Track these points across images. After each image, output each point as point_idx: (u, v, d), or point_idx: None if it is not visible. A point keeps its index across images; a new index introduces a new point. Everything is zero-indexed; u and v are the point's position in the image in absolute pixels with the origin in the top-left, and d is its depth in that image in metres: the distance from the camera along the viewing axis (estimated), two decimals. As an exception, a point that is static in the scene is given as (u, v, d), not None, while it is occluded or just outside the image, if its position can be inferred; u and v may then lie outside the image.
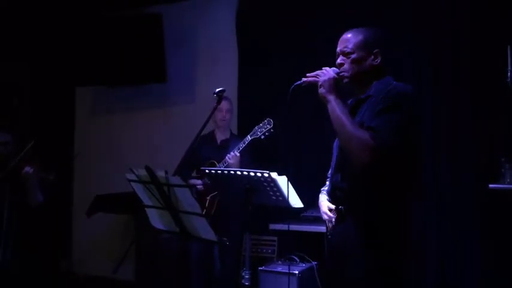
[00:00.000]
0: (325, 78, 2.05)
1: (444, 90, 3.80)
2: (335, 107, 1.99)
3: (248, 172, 2.86)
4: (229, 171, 3.01)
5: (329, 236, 2.77)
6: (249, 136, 3.61)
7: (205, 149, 3.87)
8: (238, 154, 3.63)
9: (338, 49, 2.14)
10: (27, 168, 3.72)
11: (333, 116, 1.99)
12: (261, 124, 3.59)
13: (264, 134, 3.56)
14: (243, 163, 3.61)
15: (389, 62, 2.15)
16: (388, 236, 1.96)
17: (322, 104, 2.04)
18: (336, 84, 2.04)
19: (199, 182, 3.81)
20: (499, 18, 3.61)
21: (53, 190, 3.98)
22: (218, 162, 3.75)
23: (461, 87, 3.76)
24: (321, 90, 2.04)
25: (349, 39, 2.11)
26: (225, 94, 3.10)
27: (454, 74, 3.79)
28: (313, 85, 2.08)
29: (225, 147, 3.88)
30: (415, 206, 2.06)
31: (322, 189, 2.79)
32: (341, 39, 2.15)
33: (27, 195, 3.78)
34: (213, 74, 5.01)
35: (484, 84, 3.66)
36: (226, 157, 3.67)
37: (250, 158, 3.79)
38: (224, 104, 3.82)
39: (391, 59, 2.19)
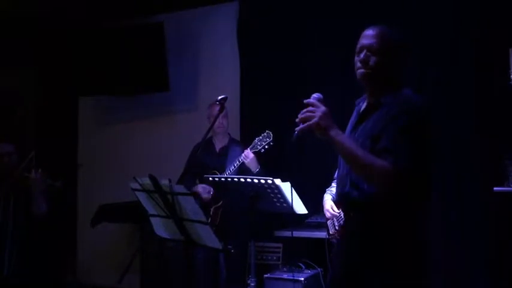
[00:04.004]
0: (316, 119, 1.86)
1: (447, 92, 3.80)
2: (341, 142, 1.87)
3: (252, 179, 2.87)
4: (233, 178, 3.01)
5: (332, 241, 2.75)
6: (249, 149, 3.61)
7: (204, 157, 3.86)
8: (250, 151, 3.60)
9: (363, 42, 2.00)
10: (35, 174, 3.73)
11: (342, 152, 1.90)
12: (260, 137, 3.59)
13: (263, 147, 3.56)
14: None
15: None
16: (402, 245, 1.90)
17: (325, 141, 1.91)
18: (331, 116, 1.88)
19: (207, 186, 3.77)
20: (501, 20, 3.61)
21: (59, 198, 3.99)
22: (218, 170, 3.74)
23: (465, 89, 3.76)
24: (320, 130, 1.87)
25: (376, 35, 1.99)
26: (227, 101, 3.12)
27: (457, 76, 3.79)
28: (312, 129, 1.90)
29: (225, 155, 3.87)
30: (427, 210, 2.00)
31: (327, 189, 2.79)
32: (367, 33, 2.01)
33: (32, 203, 3.79)
34: (215, 82, 5.02)
35: (488, 86, 3.65)
36: (241, 157, 3.63)
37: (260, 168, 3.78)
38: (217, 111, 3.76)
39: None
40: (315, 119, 1.85)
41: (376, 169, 1.80)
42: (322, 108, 1.88)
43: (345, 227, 2.21)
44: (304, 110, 1.90)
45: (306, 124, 1.87)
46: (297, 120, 1.90)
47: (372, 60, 1.97)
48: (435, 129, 1.96)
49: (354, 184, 2.02)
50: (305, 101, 1.92)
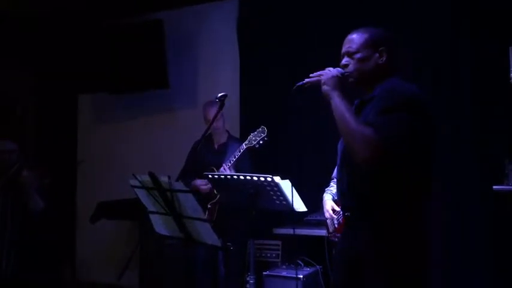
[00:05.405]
0: (329, 76, 2.02)
1: (446, 90, 3.80)
2: (338, 103, 1.95)
3: (251, 177, 2.86)
4: (232, 176, 3.01)
5: (332, 239, 2.76)
6: (244, 144, 3.60)
7: (203, 154, 3.86)
8: (227, 168, 3.63)
9: (343, 50, 2.11)
10: (25, 173, 3.77)
11: (336, 113, 1.95)
12: (255, 132, 3.58)
13: (258, 142, 3.55)
14: (244, 169, 3.59)
15: (400, 62, 2.13)
16: (402, 244, 1.90)
17: (326, 102, 2.01)
18: (340, 83, 2.01)
19: (205, 181, 3.78)
20: (501, 19, 3.60)
21: (51, 195, 4.01)
22: (217, 167, 3.74)
23: (464, 88, 3.76)
24: (324, 88, 2.01)
25: (353, 39, 2.08)
26: (227, 99, 3.11)
27: (456, 74, 3.78)
28: (317, 85, 2.05)
29: (223, 152, 3.87)
30: (428, 206, 2.00)
31: (326, 189, 2.79)
32: (346, 39, 2.11)
33: (28, 202, 3.81)
34: (215, 79, 5.02)
35: (487, 85, 3.65)
36: (241, 147, 3.63)
37: (250, 164, 3.78)
38: (212, 113, 3.56)
39: (401, 60, 2.15)
40: (323, 77, 2.03)
41: (361, 135, 1.85)
42: (334, 73, 2.03)
43: (344, 225, 2.22)
44: (319, 72, 2.08)
45: (313, 78, 2.06)
46: (310, 75, 2.08)
47: (351, 64, 2.07)
48: (432, 122, 1.95)
49: (351, 185, 2.04)
50: (327, 68, 2.08)
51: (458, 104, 3.77)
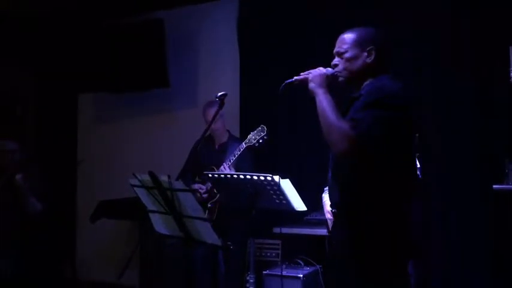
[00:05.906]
0: (316, 74, 2.08)
1: (446, 91, 3.80)
2: (322, 99, 2.01)
3: (251, 176, 2.86)
4: (232, 175, 3.01)
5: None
6: (243, 144, 3.60)
7: (204, 154, 3.86)
8: (227, 167, 3.63)
9: (334, 50, 2.16)
10: (18, 175, 3.77)
11: (319, 109, 2.00)
12: (255, 131, 3.57)
13: (258, 141, 3.54)
14: (243, 168, 3.59)
15: (391, 62, 2.15)
16: (379, 243, 1.93)
17: (312, 99, 2.06)
18: (327, 81, 2.07)
19: (203, 186, 3.80)
20: (501, 18, 3.60)
21: (51, 195, 4.01)
22: (217, 167, 3.74)
23: (464, 88, 3.76)
24: (311, 85, 2.07)
25: (344, 39, 2.13)
26: (227, 99, 3.11)
27: (456, 73, 3.79)
28: (305, 83, 2.11)
29: (224, 151, 3.87)
30: (410, 206, 2.02)
31: (325, 188, 2.80)
32: (337, 40, 2.17)
33: (24, 204, 3.81)
34: (215, 79, 5.02)
35: (487, 85, 3.65)
36: (241, 146, 3.63)
37: (250, 163, 3.78)
38: (211, 114, 3.46)
39: (392, 59, 2.19)
40: (311, 75, 2.10)
41: (338, 129, 1.91)
42: (322, 72, 2.09)
43: (334, 223, 2.26)
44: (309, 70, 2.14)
45: (302, 76, 2.13)
46: (300, 73, 2.16)
47: (341, 63, 2.12)
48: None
49: (336, 182, 2.11)
50: (318, 68, 2.14)
51: (458, 104, 3.77)
